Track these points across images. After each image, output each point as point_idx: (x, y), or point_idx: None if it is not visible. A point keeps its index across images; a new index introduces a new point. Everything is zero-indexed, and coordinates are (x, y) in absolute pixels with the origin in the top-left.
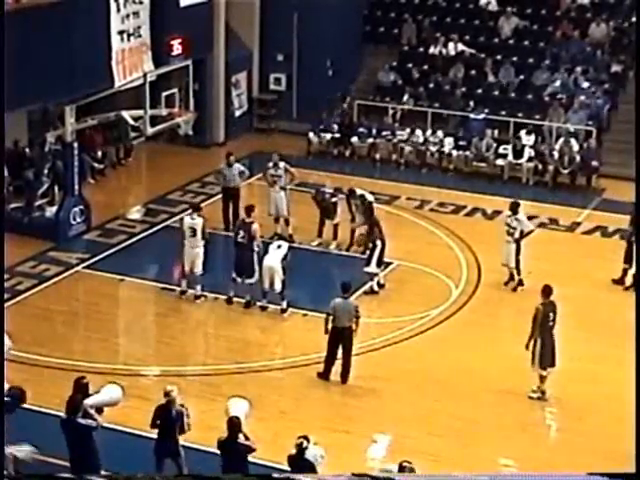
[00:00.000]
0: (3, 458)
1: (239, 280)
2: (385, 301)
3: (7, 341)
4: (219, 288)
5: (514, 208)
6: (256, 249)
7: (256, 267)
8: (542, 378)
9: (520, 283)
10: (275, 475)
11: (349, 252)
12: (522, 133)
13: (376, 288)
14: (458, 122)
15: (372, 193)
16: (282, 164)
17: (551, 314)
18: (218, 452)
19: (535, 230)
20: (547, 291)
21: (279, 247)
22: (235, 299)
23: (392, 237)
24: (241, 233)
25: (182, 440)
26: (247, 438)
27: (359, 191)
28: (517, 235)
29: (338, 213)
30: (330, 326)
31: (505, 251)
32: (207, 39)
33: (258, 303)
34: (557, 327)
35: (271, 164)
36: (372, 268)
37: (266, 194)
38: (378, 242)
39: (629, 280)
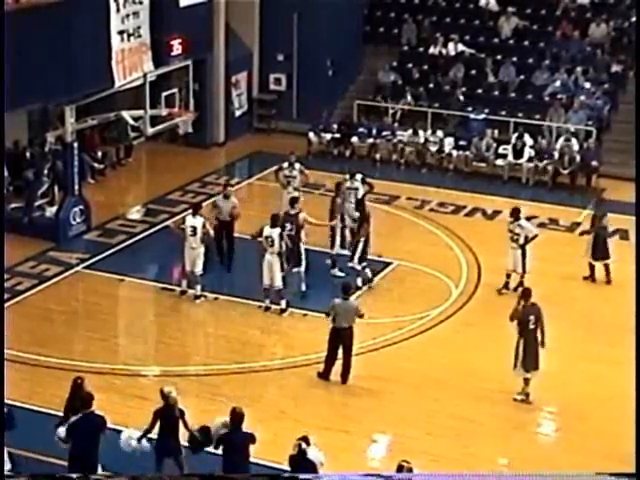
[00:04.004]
0: (3, 458)
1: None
2: (385, 301)
3: None
4: (219, 288)
5: (515, 214)
6: (304, 239)
7: (303, 256)
8: (526, 380)
9: (520, 284)
10: (285, 475)
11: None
12: (523, 133)
13: (360, 284)
14: (458, 122)
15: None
16: (297, 165)
17: (532, 317)
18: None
19: (539, 235)
20: (527, 294)
21: (272, 243)
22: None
23: (392, 237)
24: (288, 226)
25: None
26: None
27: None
28: (522, 241)
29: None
30: (330, 326)
31: (512, 258)
32: (207, 39)
33: (261, 304)
34: (556, 327)
35: (286, 164)
36: (354, 264)
37: (268, 194)
38: (362, 238)
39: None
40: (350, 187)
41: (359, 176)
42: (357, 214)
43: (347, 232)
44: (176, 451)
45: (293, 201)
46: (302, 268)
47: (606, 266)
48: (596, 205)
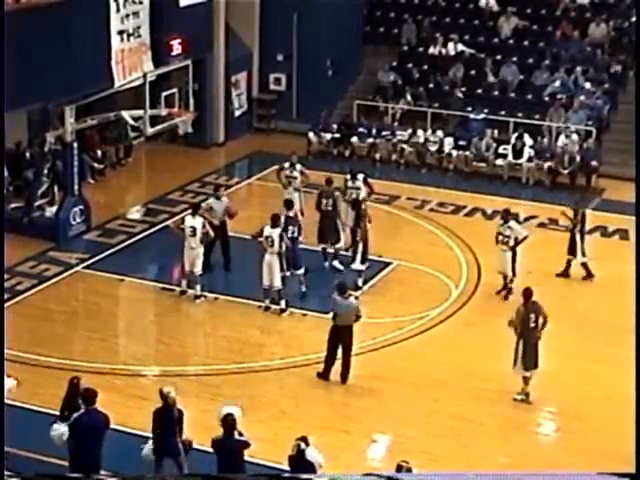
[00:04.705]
0: (3, 458)
1: (288, 274)
2: (385, 301)
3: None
4: (219, 288)
5: (505, 216)
6: (302, 240)
7: (302, 259)
8: (525, 380)
9: (509, 291)
10: (285, 475)
11: (348, 252)
12: (523, 133)
13: (360, 284)
14: (458, 122)
15: (372, 193)
16: (299, 166)
17: (532, 316)
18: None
19: (529, 236)
20: (527, 294)
21: (272, 243)
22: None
23: (392, 237)
24: (290, 229)
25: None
26: (241, 434)
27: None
28: (512, 243)
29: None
30: (331, 324)
31: (501, 259)
32: (207, 39)
33: (261, 304)
34: (555, 327)
35: (287, 164)
36: (357, 265)
37: (268, 194)
38: (361, 239)
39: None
40: (352, 187)
41: (361, 176)
42: (352, 214)
43: (348, 231)
44: (176, 451)
45: (289, 203)
46: (302, 271)
47: (570, 262)
48: (579, 201)
